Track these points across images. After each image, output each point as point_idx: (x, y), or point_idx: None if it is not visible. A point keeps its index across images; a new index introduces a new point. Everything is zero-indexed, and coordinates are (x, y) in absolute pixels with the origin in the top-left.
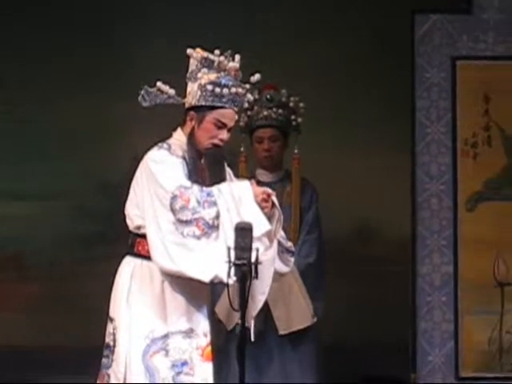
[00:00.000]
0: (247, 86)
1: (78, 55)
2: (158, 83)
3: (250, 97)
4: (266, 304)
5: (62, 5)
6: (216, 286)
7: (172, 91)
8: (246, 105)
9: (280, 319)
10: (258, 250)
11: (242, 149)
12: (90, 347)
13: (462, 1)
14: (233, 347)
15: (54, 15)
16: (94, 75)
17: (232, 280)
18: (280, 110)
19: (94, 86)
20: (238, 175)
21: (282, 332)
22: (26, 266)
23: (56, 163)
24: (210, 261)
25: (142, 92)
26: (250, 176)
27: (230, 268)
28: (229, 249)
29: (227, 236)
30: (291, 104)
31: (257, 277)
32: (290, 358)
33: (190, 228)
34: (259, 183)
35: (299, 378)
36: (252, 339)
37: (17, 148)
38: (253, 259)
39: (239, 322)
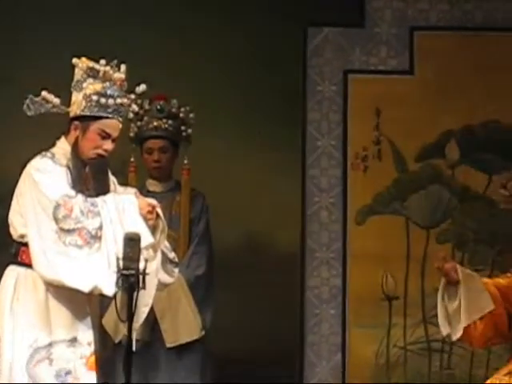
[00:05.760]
0: (132, 96)
1: None
2: (43, 92)
3: (135, 107)
4: (153, 316)
5: None
6: (104, 298)
7: (57, 100)
8: (131, 115)
9: (168, 332)
10: (146, 261)
11: (131, 159)
12: None
13: (354, 14)
14: (119, 358)
15: None
16: None
17: (115, 290)
18: (170, 121)
19: None
20: (127, 185)
21: (169, 345)
22: None
23: None
24: (91, 271)
25: (27, 101)
26: (140, 186)
27: (118, 278)
28: (117, 258)
29: (109, 247)
30: (181, 114)
31: (144, 287)
32: (176, 369)
33: (73, 237)
34: (149, 193)
35: None
36: (134, 350)
37: None
38: (140, 270)
39: (126, 333)
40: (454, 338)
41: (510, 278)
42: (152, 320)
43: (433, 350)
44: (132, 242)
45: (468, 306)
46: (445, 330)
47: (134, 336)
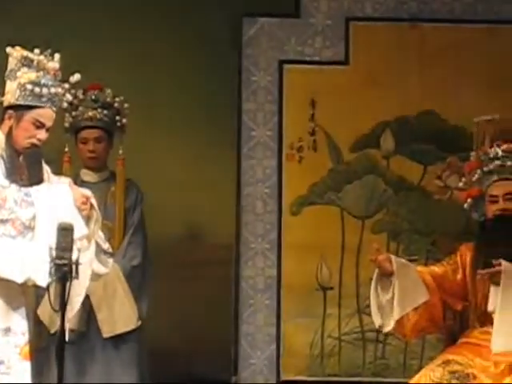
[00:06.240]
0: (66, 85)
1: None
2: None
3: (69, 97)
4: (89, 306)
5: None
6: (40, 288)
7: None
8: (65, 105)
9: (104, 322)
10: (79, 251)
11: (66, 149)
12: None
13: (290, 5)
14: (54, 348)
15: None
16: None
17: (48, 281)
18: (105, 111)
19: None
20: (61, 175)
21: (106, 335)
22: None
23: None
24: (24, 262)
25: None
26: (74, 176)
27: (51, 268)
28: (50, 248)
29: (43, 238)
30: (116, 104)
31: (77, 277)
32: (113, 359)
33: (6, 227)
34: (83, 183)
35: (121, 378)
36: (67, 340)
37: None
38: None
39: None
40: (386, 329)
41: (446, 266)
42: (88, 310)
43: (367, 340)
44: (65, 231)
45: (401, 298)
46: (377, 321)
47: (67, 326)
